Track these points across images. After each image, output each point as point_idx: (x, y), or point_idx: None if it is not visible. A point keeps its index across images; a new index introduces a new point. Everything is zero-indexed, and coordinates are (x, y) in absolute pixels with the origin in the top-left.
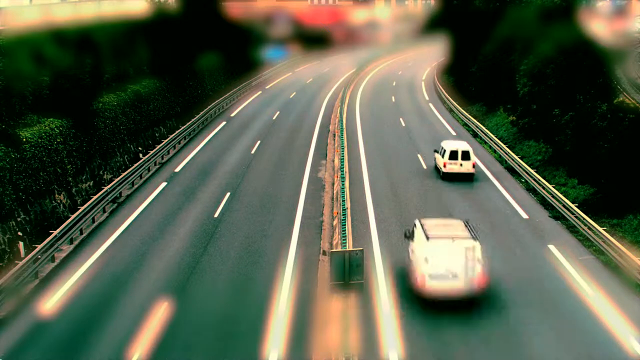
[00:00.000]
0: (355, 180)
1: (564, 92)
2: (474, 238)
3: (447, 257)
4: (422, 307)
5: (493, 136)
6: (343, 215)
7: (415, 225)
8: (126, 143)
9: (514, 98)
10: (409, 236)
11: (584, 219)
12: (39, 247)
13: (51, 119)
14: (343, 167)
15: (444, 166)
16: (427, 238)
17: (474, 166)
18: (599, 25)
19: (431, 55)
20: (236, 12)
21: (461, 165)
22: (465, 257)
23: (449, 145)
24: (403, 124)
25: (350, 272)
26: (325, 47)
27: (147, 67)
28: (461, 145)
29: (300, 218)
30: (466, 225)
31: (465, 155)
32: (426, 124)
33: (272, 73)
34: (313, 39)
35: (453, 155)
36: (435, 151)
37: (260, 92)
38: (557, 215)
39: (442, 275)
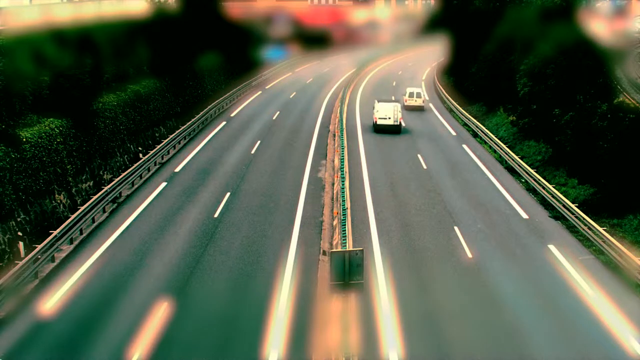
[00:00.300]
0: (355, 180)
1: (564, 92)
2: (398, 102)
3: (385, 110)
4: (373, 131)
5: (493, 136)
6: (343, 215)
7: (375, 102)
8: (126, 143)
9: (514, 98)
10: (373, 108)
11: (584, 219)
12: (39, 247)
13: (51, 119)
14: (343, 167)
15: (405, 101)
16: (377, 102)
17: (423, 102)
18: (599, 25)
19: (431, 55)
20: (236, 12)
21: (415, 100)
22: (393, 110)
23: (409, 89)
24: (403, 124)
25: (350, 272)
26: (325, 47)
27: (147, 67)
28: (416, 89)
29: (300, 218)
30: (395, 100)
31: (418, 95)
32: (426, 124)
33: (272, 73)
34: (313, 39)
35: (411, 94)
36: (403, 94)
37: (260, 92)
38: (557, 215)
39: (383, 117)
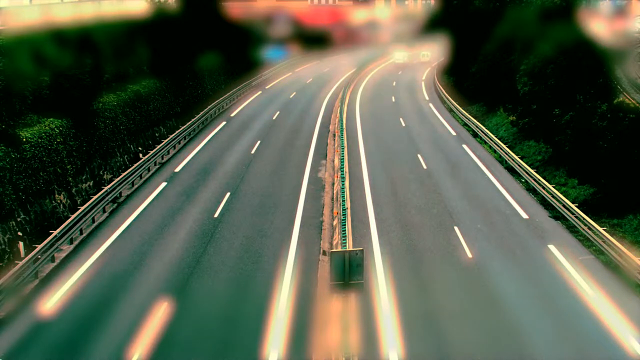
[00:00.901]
0: (355, 180)
1: (564, 92)
2: (407, 52)
3: (398, 54)
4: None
5: (493, 136)
6: (343, 215)
7: (394, 51)
8: (126, 143)
9: (514, 98)
10: (391, 57)
11: (584, 219)
12: (39, 247)
13: (51, 119)
14: (343, 167)
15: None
16: (394, 51)
17: (429, 58)
18: (599, 25)
19: (431, 56)
20: (236, 12)
21: (424, 57)
22: (402, 55)
23: (421, 52)
24: (403, 124)
25: (350, 272)
26: (325, 47)
27: (147, 67)
28: (426, 52)
29: (300, 218)
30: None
31: (426, 55)
32: (426, 124)
33: (272, 73)
34: (313, 39)
35: (423, 55)
36: (418, 55)
37: (260, 92)
38: (557, 215)
39: (398, 58)
